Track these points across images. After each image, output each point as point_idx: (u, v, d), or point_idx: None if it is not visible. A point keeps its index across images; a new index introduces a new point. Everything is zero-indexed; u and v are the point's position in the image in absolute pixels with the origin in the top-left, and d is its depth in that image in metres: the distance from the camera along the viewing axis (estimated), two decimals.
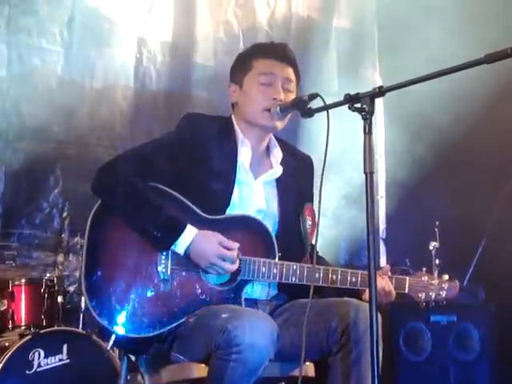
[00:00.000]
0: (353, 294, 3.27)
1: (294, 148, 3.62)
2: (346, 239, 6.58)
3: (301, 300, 3.24)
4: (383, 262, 6.69)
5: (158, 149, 3.25)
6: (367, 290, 3.09)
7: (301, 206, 3.39)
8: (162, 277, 3.06)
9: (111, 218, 3.11)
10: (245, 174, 3.32)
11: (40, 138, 5.59)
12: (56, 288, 4.69)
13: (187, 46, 6.32)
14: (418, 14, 6.18)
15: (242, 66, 3.44)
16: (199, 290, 3.10)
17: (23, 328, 4.57)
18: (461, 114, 5.86)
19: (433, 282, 3.34)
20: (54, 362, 4.35)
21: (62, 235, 5.50)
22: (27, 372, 4.27)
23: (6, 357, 4.20)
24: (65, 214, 5.61)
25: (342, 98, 2.81)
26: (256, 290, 3.27)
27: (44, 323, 4.60)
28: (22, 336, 4.37)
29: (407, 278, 3.33)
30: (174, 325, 3.04)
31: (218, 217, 3.20)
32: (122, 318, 2.99)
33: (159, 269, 3.06)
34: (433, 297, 3.34)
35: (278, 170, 3.41)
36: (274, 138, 3.49)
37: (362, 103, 2.75)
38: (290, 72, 3.40)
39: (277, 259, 3.18)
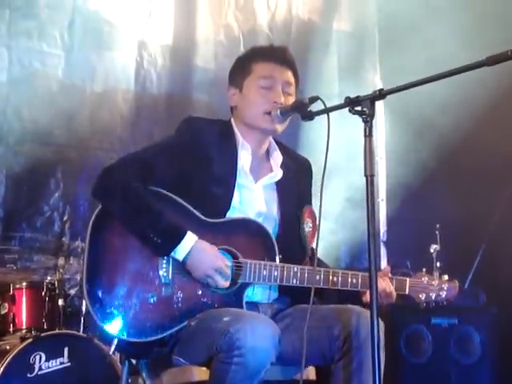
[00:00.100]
0: (354, 295, 3.27)
1: (292, 151, 3.62)
2: (347, 242, 6.58)
3: (303, 305, 3.24)
4: (384, 264, 6.67)
5: (159, 153, 3.25)
6: (368, 292, 3.10)
7: (300, 209, 3.39)
8: (163, 281, 3.06)
9: (112, 222, 3.11)
10: (245, 177, 3.32)
11: (41, 141, 5.59)
12: (57, 291, 4.69)
13: (188, 49, 6.32)
14: (419, 17, 6.19)
15: (241, 69, 3.44)
16: (200, 294, 3.10)
17: (24, 331, 4.56)
18: (462, 117, 5.86)
19: (433, 282, 3.34)
20: (55, 365, 4.35)
21: (63, 238, 5.50)
22: (28, 375, 4.27)
23: (7, 360, 4.19)
24: (65, 218, 5.61)
25: (342, 101, 2.81)
26: (257, 293, 3.27)
27: (45, 326, 4.59)
28: (23, 339, 4.37)
29: (407, 279, 3.33)
30: (176, 329, 3.04)
31: (219, 220, 3.21)
32: (123, 322, 2.99)
33: (160, 273, 3.06)
34: (433, 297, 3.34)
35: (278, 174, 3.41)
36: (273, 142, 3.50)
37: (362, 106, 2.75)
38: (290, 75, 3.41)
39: (277, 261, 3.18)
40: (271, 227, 3.30)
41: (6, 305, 4.59)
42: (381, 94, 2.74)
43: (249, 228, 3.23)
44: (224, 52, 6.34)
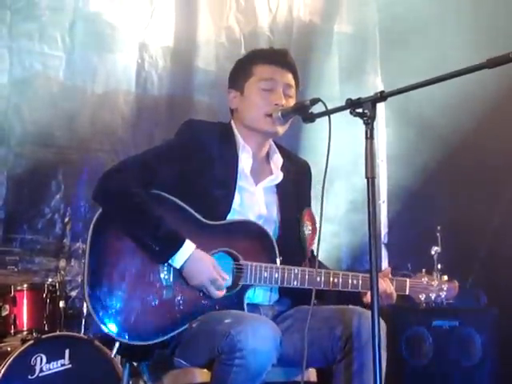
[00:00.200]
0: (354, 296, 3.28)
1: (292, 153, 3.62)
2: (348, 244, 6.58)
3: (304, 306, 3.24)
4: (385, 266, 6.68)
5: (159, 156, 3.25)
6: (368, 293, 3.11)
7: (300, 212, 3.39)
8: (164, 283, 3.06)
9: (113, 225, 3.10)
10: (245, 180, 3.33)
11: (42, 142, 5.60)
12: (58, 293, 4.69)
13: (189, 50, 6.33)
14: (420, 19, 6.19)
15: (242, 72, 3.44)
16: (201, 296, 3.10)
17: (25, 333, 4.57)
18: (462, 119, 5.86)
19: (433, 283, 3.35)
20: (56, 367, 4.35)
21: (64, 240, 5.50)
22: (29, 377, 4.27)
23: (8, 362, 4.19)
24: (66, 219, 5.62)
25: (343, 103, 2.81)
26: (258, 295, 3.27)
27: (46, 328, 4.59)
28: (24, 341, 4.37)
29: (407, 280, 3.34)
30: (177, 331, 3.04)
31: (219, 222, 3.21)
32: (125, 325, 2.99)
33: (161, 276, 3.06)
34: (433, 298, 3.34)
35: (278, 176, 3.41)
36: (273, 144, 3.50)
37: (363, 108, 2.75)
38: (290, 78, 3.41)
39: (278, 263, 3.19)
40: (271, 230, 3.30)
41: (7, 307, 4.60)
42: (382, 96, 2.74)
43: (249, 230, 3.23)
44: (225, 54, 6.35)
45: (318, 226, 3.25)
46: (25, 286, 4.66)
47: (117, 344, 3.00)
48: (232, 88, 3.46)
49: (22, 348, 4.27)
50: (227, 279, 3.11)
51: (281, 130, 3.34)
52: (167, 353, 3.08)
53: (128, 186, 3.11)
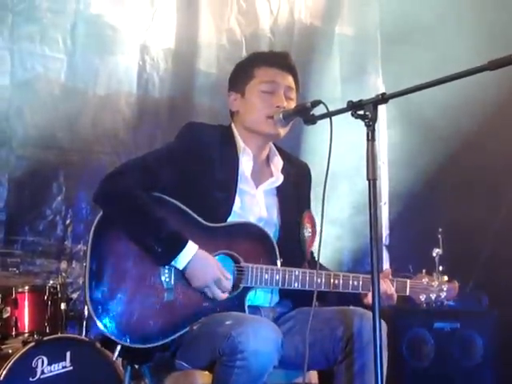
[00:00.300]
0: (355, 297, 3.28)
1: (291, 156, 3.61)
2: (350, 247, 6.58)
3: (305, 308, 3.24)
4: (386, 268, 6.68)
5: (160, 159, 3.25)
6: (369, 294, 3.12)
7: (300, 214, 3.39)
8: (165, 286, 3.05)
9: (114, 228, 3.10)
10: (246, 182, 3.32)
11: (43, 144, 5.60)
12: (59, 295, 4.68)
13: (190, 53, 6.33)
14: (421, 21, 6.19)
15: (243, 74, 3.44)
16: (203, 299, 3.09)
17: (26, 335, 4.56)
18: (464, 121, 5.87)
19: (433, 283, 3.35)
20: (57, 369, 4.34)
21: (65, 242, 5.50)
22: (30, 379, 4.26)
23: (10, 364, 4.19)
24: (68, 221, 5.62)
25: (345, 105, 2.81)
26: (259, 297, 3.27)
27: (47, 330, 4.59)
28: (25, 343, 4.36)
29: (408, 281, 3.34)
30: (179, 334, 3.04)
31: (220, 225, 3.20)
32: (126, 328, 2.99)
33: (163, 278, 3.06)
34: (433, 298, 3.35)
35: (279, 179, 3.41)
36: (273, 147, 3.50)
37: (364, 110, 2.75)
38: (291, 80, 3.41)
39: (279, 265, 3.19)
40: (271, 232, 3.30)
41: (9, 308, 4.59)
42: (383, 98, 2.74)
43: (250, 232, 3.23)
44: (226, 56, 6.35)
45: (318, 228, 3.25)
46: (26, 287, 4.66)
47: (118, 347, 3.00)
48: (232, 90, 3.46)
49: (24, 350, 4.27)
50: (230, 278, 3.11)
51: (282, 132, 3.34)
52: (168, 355, 3.08)
53: (129, 189, 3.11)
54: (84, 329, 4.69)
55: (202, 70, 6.34)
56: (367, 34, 7.12)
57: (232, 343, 2.80)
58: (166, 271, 3.07)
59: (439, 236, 3.34)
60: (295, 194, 3.46)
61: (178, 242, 3.06)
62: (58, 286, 4.72)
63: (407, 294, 3.34)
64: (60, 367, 4.35)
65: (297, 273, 3.16)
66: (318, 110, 3.08)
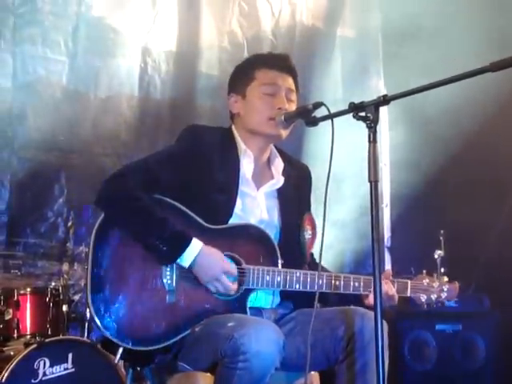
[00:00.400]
0: (356, 299, 3.28)
1: (292, 158, 3.62)
2: (352, 249, 6.58)
3: (306, 309, 3.24)
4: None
5: (161, 161, 3.25)
6: (370, 295, 3.12)
7: (301, 216, 3.39)
8: (167, 288, 3.06)
9: (115, 230, 3.11)
10: (247, 185, 3.33)
11: (45, 147, 5.60)
12: (61, 297, 4.68)
13: (192, 55, 6.33)
14: (422, 22, 6.19)
15: (243, 76, 3.45)
16: (204, 301, 3.10)
17: (28, 337, 4.55)
18: (466, 123, 5.87)
19: (433, 284, 3.36)
20: (59, 370, 4.34)
21: (67, 244, 5.49)
22: (32, 381, 4.26)
23: (12, 366, 4.19)
24: (70, 223, 5.61)
25: (346, 107, 2.81)
26: (260, 299, 3.27)
27: (49, 332, 4.58)
28: (27, 345, 4.36)
29: (409, 282, 3.35)
30: (181, 336, 3.04)
31: (221, 226, 3.21)
32: (128, 331, 2.99)
33: (164, 281, 3.06)
34: (434, 299, 3.35)
35: (279, 181, 3.42)
36: (274, 149, 3.50)
37: (366, 112, 2.75)
38: (291, 82, 3.42)
39: (280, 266, 3.19)
40: (272, 234, 3.30)
41: (11, 310, 4.58)
42: (385, 100, 2.75)
43: (251, 234, 3.24)
44: (228, 58, 6.35)
45: (319, 230, 3.26)
46: (28, 289, 4.66)
47: (120, 350, 3.00)
48: (233, 92, 3.46)
49: (26, 352, 4.26)
50: (235, 267, 3.11)
51: (284, 133, 3.35)
52: (170, 357, 3.08)
53: (131, 190, 3.12)
54: (86, 331, 4.70)
55: (203, 72, 6.34)
56: (369, 35, 7.12)
57: (234, 345, 2.80)
58: (168, 273, 3.07)
59: (441, 238, 3.34)
60: (296, 196, 3.47)
61: (183, 239, 3.06)
62: (60, 288, 4.73)
63: (408, 294, 3.34)
64: (62, 369, 4.35)
65: (298, 274, 3.16)
66: (320, 112, 3.08)
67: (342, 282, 3.21)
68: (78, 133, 5.73)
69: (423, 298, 3.34)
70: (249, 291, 3.15)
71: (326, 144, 2.99)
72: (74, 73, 5.79)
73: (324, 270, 3.35)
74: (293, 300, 3.34)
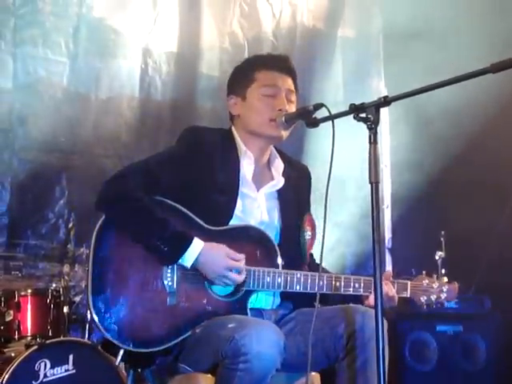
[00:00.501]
0: (356, 300, 3.28)
1: (292, 159, 3.62)
2: (353, 251, 6.58)
3: (305, 309, 3.25)
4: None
5: (161, 163, 3.25)
6: (370, 296, 3.12)
7: (301, 218, 3.39)
8: (168, 290, 3.06)
9: (116, 232, 3.11)
10: (247, 186, 3.33)
11: (46, 148, 5.60)
12: (62, 298, 4.68)
13: (192, 56, 6.33)
14: (423, 24, 6.19)
15: (243, 78, 3.44)
16: (205, 302, 3.10)
17: (29, 338, 4.55)
18: (467, 125, 5.86)
19: (433, 284, 3.36)
20: (60, 372, 4.33)
21: (68, 245, 5.48)
22: (33, 382, 4.25)
23: (13, 367, 4.18)
24: (70, 225, 5.61)
25: (347, 108, 2.81)
26: (261, 300, 3.27)
27: (50, 333, 4.58)
28: (28, 346, 4.36)
29: (408, 283, 3.35)
30: (182, 337, 3.04)
31: (221, 228, 3.21)
32: (129, 333, 2.99)
33: (165, 282, 3.06)
34: (433, 299, 3.35)
35: (279, 182, 3.41)
36: (274, 150, 3.50)
37: (367, 113, 2.75)
38: (291, 83, 3.42)
39: (280, 268, 3.19)
40: (272, 235, 3.30)
41: (11, 312, 4.58)
42: (386, 101, 2.74)
43: (251, 235, 3.24)
44: (229, 59, 6.34)
45: (319, 231, 3.26)
46: (29, 291, 4.65)
47: (121, 351, 3.00)
48: (232, 94, 3.46)
49: (26, 353, 4.26)
50: (242, 259, 3.11)
51: (284, 134, 3.35)
52: (171, 359, 3.08)
53: (131, 191, 3.12)
54: (87, 332, 4.69)
55: (204, 74, 6.34)
56: (369, 36, 7.13)
57: (235, 346, 2.80)
58: (169, 275, 3.07)
59: (442, 239, 3.35)
60: (296, 197, 3.47)
61: (184, 239, 3.06)
62: (61, 290, 4.72)
63: (408, 295, 3.34)
64: (63, 370, 4.34)
65: (298, 275, 3.16)
66: (321, 113, 3.08)
67: (343, 283, 3.22)
68: (78, 134, 5.73)
69: (423, 298, 3.35)
70: (249, 292, 3.15)
71: (326, 145, 2.99)
72: (75, 74, 5.79)
73: (324, 270, 3.35)
74: (293, 300, 3.34)
